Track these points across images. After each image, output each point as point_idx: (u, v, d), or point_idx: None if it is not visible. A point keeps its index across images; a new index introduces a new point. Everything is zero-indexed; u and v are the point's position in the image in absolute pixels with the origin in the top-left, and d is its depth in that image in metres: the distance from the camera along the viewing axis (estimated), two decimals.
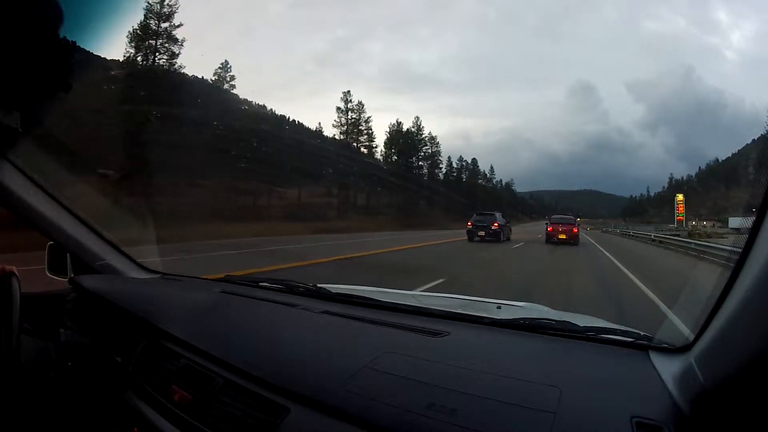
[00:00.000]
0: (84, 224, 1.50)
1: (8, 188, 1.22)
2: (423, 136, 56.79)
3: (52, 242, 1.53)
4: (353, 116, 48.06)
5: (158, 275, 1.74)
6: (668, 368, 0.77)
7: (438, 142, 59.15)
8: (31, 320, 1.25)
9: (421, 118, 73.02)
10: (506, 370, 0.83)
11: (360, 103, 48.93)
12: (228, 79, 33.94)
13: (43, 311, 1.38)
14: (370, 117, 49.05)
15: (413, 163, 54.81)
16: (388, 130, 53.54)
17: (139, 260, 1.71)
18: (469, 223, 17.12)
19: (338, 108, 47.87)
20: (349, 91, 53.68)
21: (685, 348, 0.78)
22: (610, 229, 40.91)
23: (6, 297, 1.03)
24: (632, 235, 25.18)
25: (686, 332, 1.47)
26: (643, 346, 0.92)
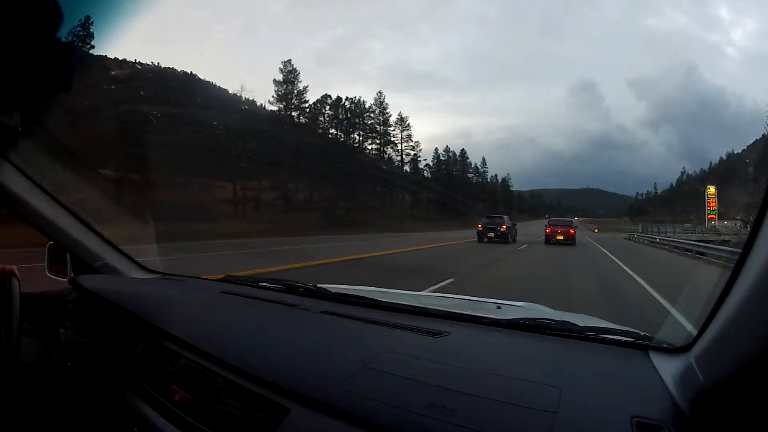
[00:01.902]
0: (84, 224, 1.50)
1: (8, 188, 1.22)
2: (388, 115, 45.98)
3: (52, 242, 1.53)
4: (289, 87, 39.20)
5: (158, 275, 1.74)
6: (668, 368, 0.77)
7: (409, 124, 48.11)
8: (31, 320, 1.25)
9: (384, 94, 60.57)
10: (506, 370, 0.83)
11: (294, 70, 39.60)
12: (88, 39, 27.10)
13: (43, 311, 1.38)
14: (306, 87, 40.37)
15: (360, 145, 43.69)
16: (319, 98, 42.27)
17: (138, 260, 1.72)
18: (479, 225, 19.27)
19: (275, 80, 39.39)
20: (289, 60, 41.53)
21: (685, 348, 0.78)
22: (659, 239, 19.56)
23: (6, 297, 1.03)
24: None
25: (689, 328, 1.45)
26: (643, 346, 0.93)
